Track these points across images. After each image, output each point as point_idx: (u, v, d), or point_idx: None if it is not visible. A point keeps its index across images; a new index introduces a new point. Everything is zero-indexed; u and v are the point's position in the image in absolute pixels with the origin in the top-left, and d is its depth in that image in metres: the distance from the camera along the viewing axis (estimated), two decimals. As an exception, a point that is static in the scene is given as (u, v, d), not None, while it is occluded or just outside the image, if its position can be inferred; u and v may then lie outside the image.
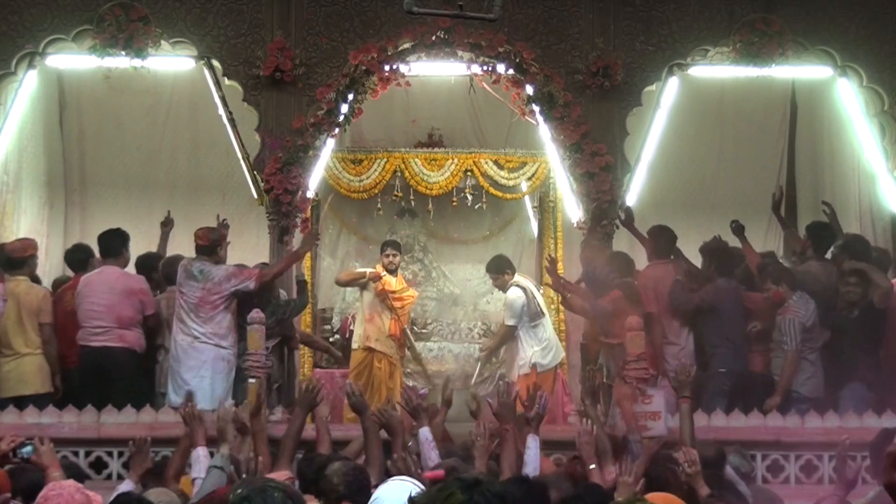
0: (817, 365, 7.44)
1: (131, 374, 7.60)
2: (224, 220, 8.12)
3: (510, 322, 8.95)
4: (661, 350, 7.62)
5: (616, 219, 8.34)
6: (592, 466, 4.73)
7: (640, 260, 8.39)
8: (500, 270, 9.17)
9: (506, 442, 4.80)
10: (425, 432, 4.92)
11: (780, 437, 7.00)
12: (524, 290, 8.98)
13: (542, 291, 9.38)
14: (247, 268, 7.69)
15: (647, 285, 7.77)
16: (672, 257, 8.10)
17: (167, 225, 8.72)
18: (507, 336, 9.07)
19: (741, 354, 7.63)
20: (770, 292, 7.57)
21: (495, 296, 10.08)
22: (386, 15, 8.45)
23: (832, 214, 8.54)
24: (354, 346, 9.24)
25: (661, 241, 8.05)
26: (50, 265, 9.40)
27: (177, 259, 8.03)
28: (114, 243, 7.85)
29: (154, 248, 8.69)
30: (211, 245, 7.63)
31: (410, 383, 9.17)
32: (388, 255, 9.39)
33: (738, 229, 8.22)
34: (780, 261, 8.46)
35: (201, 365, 7.32)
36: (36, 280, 8.02)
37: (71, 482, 3.93)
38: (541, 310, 9.04)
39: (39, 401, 7.27)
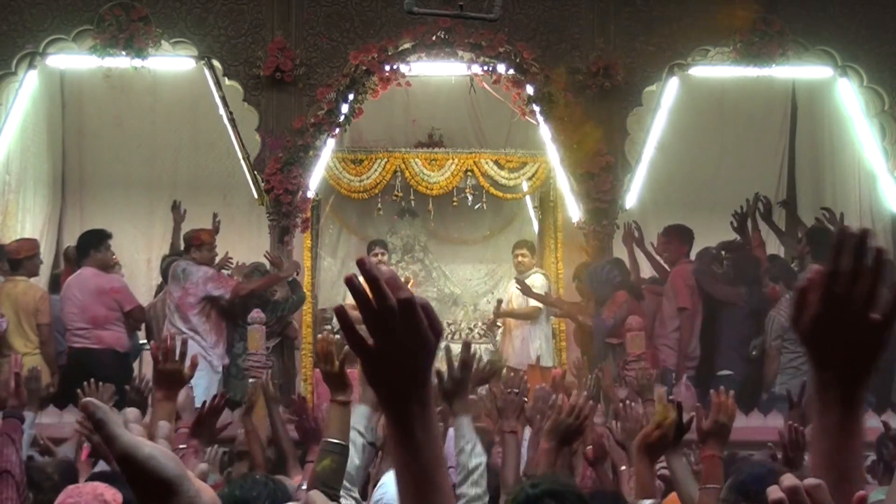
0: (803, 368, 7.45)
1: (116, 375, 7.58)
2: (217, 219, 8.21)
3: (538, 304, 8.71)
4: (687, 346, 7.65)
5: (616, 226, 8.40)
6: (623, 468, 4.49)
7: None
8: (533, 251, 9.09)
9: (507, 444, 4.18)
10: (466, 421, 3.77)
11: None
12: (549, 280, 8.93)
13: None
14: (227, 277, 7.69)
15: (688, 281, 7.78)
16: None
17: (176, 209, 8.65)
18: (532, 315, 8.74)
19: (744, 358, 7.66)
20: (767, 289, 7.61)
21: (496, 295, 10.08)
22: (386, 15, 8.46)
23: (832, 218, 8.50)
24: None
25: (686, 241, 8.06)
26: (50, 265, 9.40)
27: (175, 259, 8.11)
28: (88, 244, 7.86)
29: (154, 247, 8.69)
30: (185, 244, 7.73)
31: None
32: (375, 255, 9.25)
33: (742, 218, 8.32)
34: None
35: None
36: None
37: (89, 487, 3.70)
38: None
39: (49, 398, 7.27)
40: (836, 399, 1.26)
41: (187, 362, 3.58)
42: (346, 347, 3.20)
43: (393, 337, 1.17)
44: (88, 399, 1.02)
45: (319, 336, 3.45)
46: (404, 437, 1.18)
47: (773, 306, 7.59)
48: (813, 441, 1.29)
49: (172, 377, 3.39)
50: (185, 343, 3.49)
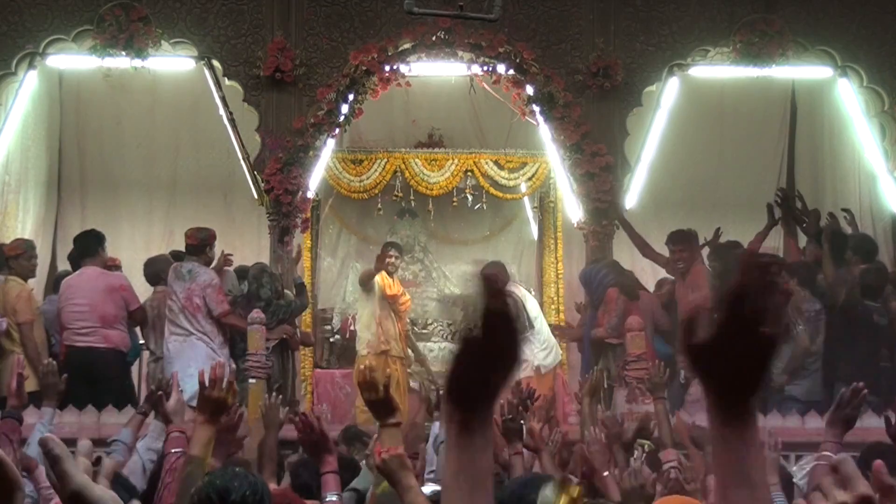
0: (811, 368, 7.42)
1: (118, 375, 7.59)
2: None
3: None
4: None
5: (615, 221, 8.38)
6: (606, 474, 4.54)
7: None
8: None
9: (514, 466, 4.59)
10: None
11: (780, 437, 6.98)
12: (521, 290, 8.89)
13: (533, 294, 9.33)
14: (224, 297, 7.61)
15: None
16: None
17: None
18: None
19: None
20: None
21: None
22: (386, 15, 8.46)
23: (851, 221, 8.44)
24: (363, 351, 8.98)
25: (697, 243, 7.98)
26: (49, 265, 9.40)
27: (159, 259, 8.09)
28: (90, 244, 7.85)
29: (153, 248, 8.67)
30: (199, 244, 7.64)
31: (413, 384, 9.15)
32: (390, 257, 9.23)
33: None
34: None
35: (191, 360, 7.25)
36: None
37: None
38: (530, 322, 8.82)
39: (34, 398, 7.26)
40: (736, 414, 1.24)
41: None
42: (389, 372, 3.43)
43: (487, 338, 1.24)
44: (48, 436, 1.12)
45: (361, 367, 3.51)
46: (466, 441, 1.27)
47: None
48: (715, 452, 1.27)
49: (217, 404, 3.43)
50: (233, 372, 3.54)
